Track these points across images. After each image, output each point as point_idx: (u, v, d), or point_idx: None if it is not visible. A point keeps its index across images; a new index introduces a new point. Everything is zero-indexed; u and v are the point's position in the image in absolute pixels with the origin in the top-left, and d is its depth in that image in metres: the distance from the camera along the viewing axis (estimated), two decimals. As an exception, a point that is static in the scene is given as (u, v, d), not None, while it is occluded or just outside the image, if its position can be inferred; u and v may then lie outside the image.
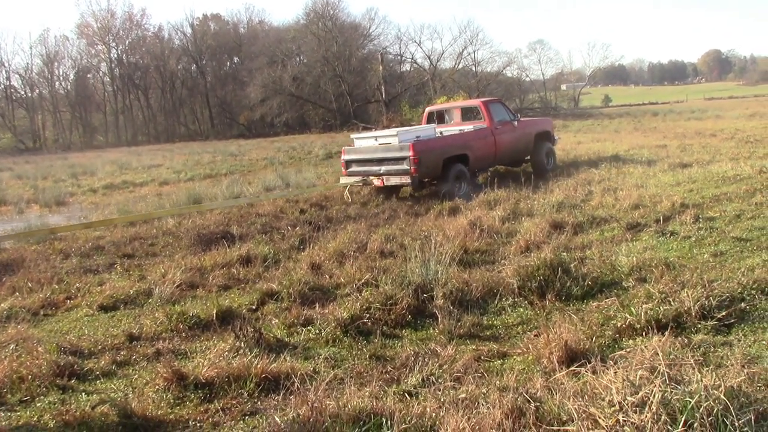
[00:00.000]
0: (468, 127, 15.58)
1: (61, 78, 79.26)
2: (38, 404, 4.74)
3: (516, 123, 16.06)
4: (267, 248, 9.14)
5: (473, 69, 67.96)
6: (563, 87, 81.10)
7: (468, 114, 16.65)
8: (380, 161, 13.67)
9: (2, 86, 75.75)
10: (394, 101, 64.71)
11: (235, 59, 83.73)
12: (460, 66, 68.44)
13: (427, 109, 18.09)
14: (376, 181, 13.70)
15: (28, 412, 4.60)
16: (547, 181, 14.34)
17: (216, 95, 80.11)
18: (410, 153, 12.98)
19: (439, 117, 17.31)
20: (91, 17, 79.49)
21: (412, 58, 72.52)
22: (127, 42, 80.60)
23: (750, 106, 49.90)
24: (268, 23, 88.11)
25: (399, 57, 73.31)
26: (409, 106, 61.76)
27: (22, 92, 77.08)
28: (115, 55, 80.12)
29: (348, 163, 14.49)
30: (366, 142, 14.47)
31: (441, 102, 57.07)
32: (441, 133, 15.30)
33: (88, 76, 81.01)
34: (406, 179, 13.17)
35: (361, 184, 14.06)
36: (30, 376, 5.08)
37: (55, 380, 5.08)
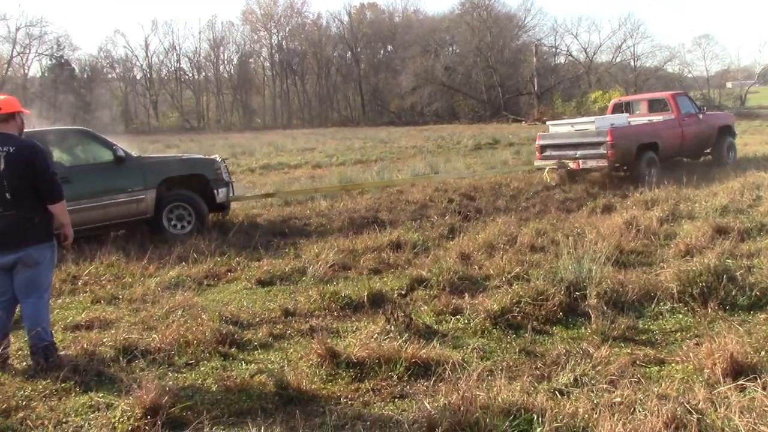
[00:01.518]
0: (657, 117, 16.37)
1: (225, 62, 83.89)
2: (202, 368, 5.03)
3: (701, 116, 16.76)
4: (416, 235, 9.24)
5: (632, 63, 65.36)
6: (729, 85, 76.22)
7: (655, 106, 17.41)
8: (576, 146, 14.73)
9: (173, 68, 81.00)
10: (546, 94, 63.44)
11: (389, 47, 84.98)
12: (618, 60, 66.04)
13: (613, 101, 19.07)
14: (572, 164, 14.72)
15: (193, 375, 4.90)
16: (712, 180, 13.58)
17: (369, 82, 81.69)
18: (608, 138, 14.01)
19: (626, 108, 17.93)
20: (256, 4, 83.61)
21: (567, 51, 70.85)
22: (287, 29, 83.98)
23: None
24: (423, 12, 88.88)
25: (554, 49, 71.75)
26: (561, 99, 60.40)
27: (190, 75, 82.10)
28: (276, 41, 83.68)
29: (543, 148, 15.55)
30: (562, 128, 15.79)
31: (596, 96, 55.50)
32: (630, 123, 15.85)
33: (250, 60, 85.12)
34: (603, 163, 14.19)
35: (557, 167, 14.94)
36: (195, 342, 5.40)
37: (218, 347, 5.38)
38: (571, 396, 4.20)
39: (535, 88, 63.81)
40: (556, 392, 4.26)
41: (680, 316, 5.83)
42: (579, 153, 14.61)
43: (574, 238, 7.97)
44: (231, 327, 5.82)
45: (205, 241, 9.34)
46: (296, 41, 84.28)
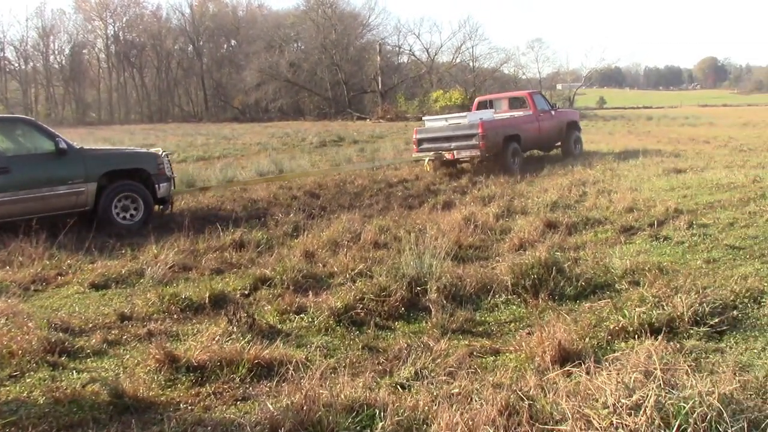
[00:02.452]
0: (518, 113, 18.70)
1: (56, 52, 78.69)
2: (28, 380, 4.70)
3: (553, 112, 19.34)
4: (260, 234, 9.12)
5: (471, 64, 67.99)
6: (559, 86, 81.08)
7: (515, 103, 19.94)
8: (450, 138, 16.61)
9: (-5, 58, 75.17)
10: (390, 92, 64.70)
11: (233, 42, 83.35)
12: (458, 60, 68.52)
13: (477, 99, 21.52)
14: (447, 155, 16.60)
15: (18, 388, 4.57)
16: (539, 177, 14.39)
17: (211, 77, 79.70)
18: (479, 130, 15.98)
19: (489, 105, 20.05)
20: (90, -8, 78.90)
21: (410, 50, 72.68)
22: (124, 19, 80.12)
23: (743, 115, 50.13)
24: (268, 8, 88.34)
25: (397, 48, 73.36)
26: (404, 98, 61.78)
27: (16, 65, 76.48)
28: (112, 32, 79.62)
29: (420, 141, 17.33)
30: (436, 123, 17.85)
31: (437, 95, 57.24)
32: (495, 118, 17.83)
33: (84, 51, 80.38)
34: (476, 152, 16.24)
35: (433, 158, 16.70)
36: (20, 352, 5.04)
37: (46, 356, 5.05)
38: (412, 389, 4.29)
39: (379, 87, 64.91)
40: (398, 386, 4.35)
41: (514, 307, 6.13)
42: (453, 144, 16.47)
43: (416, 234, 8.15)
44: (61, 334, 5.48)
45: (32, 242, 8.74)
46: (134, 32, 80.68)
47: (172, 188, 11.88)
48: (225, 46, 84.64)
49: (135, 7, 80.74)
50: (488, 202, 11.39)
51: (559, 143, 19.84)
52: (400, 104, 60.52)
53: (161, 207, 11.78)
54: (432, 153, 16.81)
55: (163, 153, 11.91)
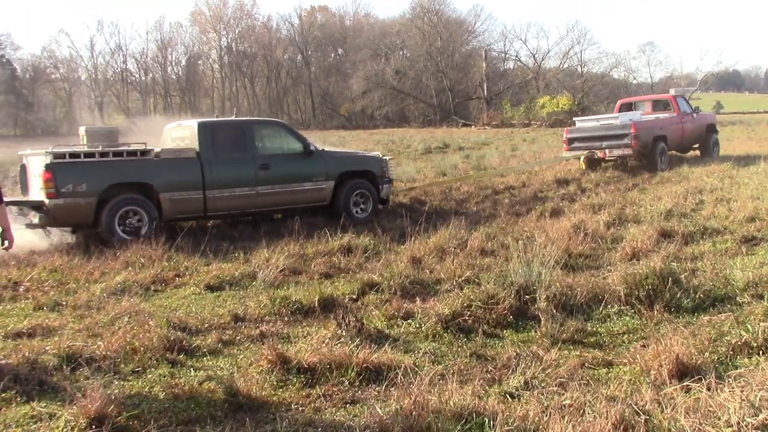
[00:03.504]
0: (663, 115, 19.50)
1: (173, 63, 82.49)
2: (149, 376, 4.92)
3: (695, 115, 19.99)
4: (367, 239, 9.22)
5: (579, 69, 66.57)
6: (672, 91, 78.13)
7: (657, 105, 20.87)
8: (602, 138, 17.50)
9: (119, 69, 79.43)
10: (496, 99, 64.25)
11: (340, 51, 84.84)
12: (565, 66, 67.25)
13: (620, 101, 21.94)
14: (599, 154, 17.59)
15: (140, 383, 4.79)
16: (654, 183, 13.91)
17: (319, 86, 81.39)
18: (632, 130, 16.85)
19: (632, 107, 20.71)
20: (205, 5, 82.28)
21: (516, 56, 71.92)
22: (236, 30, 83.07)
23: None
24: (374, 16, 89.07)
25: (503, 54, 72.75)
26: (510, 104, 61.18)
27: (137, 76, 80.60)
28: (225, 43, 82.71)
29: (570, 141, 18.41)
30: (587, 123, 19.06)
31: (544, 101, 56.36)
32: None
33: (199, 62, 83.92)
34: (628, 151, 17.03)
35: (586, 156, 17.74)
36: (142, 349, 5.28)
37: (165, 354, 5.26)
38: (521, 399, 4.23)
39: (485, 93, 64.54)
40: (507, 395, 4.30)
41: (627, 318, 5.93)
42: (605, 144, 17.38)
43: (524, 241, 8.02)
44: (179, 333, 5.71)
45: (152, 245, 9.16)
46: (246, 43, 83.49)
47: (391, 189, 13.23)
48: (332, 54, 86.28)
49: (247, 19, 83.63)
50: (598, 210, 11.09)
51: (697, 145, 20.56)
52: (506, 111, 59.94)
53: (381, 205, 12.92)
54: (586, 151, 17.80)
55: (386, 157, 13.25)
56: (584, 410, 3.88)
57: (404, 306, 6.25)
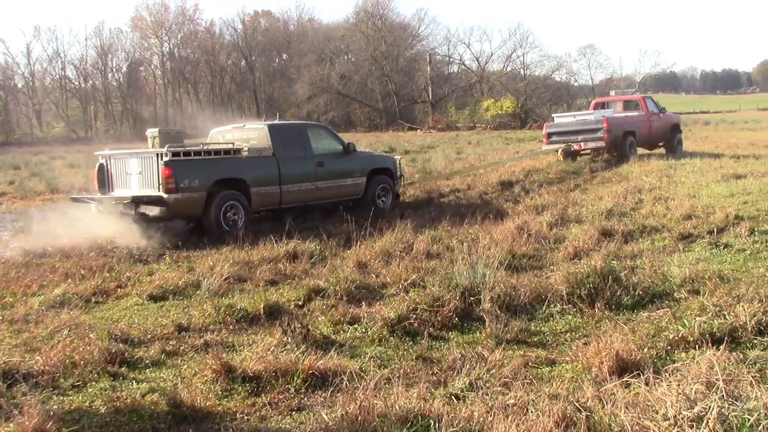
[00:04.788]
0: (633, 113, 21.67)
1: (114, 70, 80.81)
2: (90, 390, 4.81)
3: (661, 115, 22.04)
4: (313, 245, 9.18)
5: (521, 72, 67.48)
6: (612, 92, 79.78)
7: (628, 105, 22.91)
8: (577, 132, 19.65)
9: (57, 77, 77.51)
10: (441, 102, 64.74)
11: (284, 56, 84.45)
12: (509, 69, 68.08)
13: (594, 100, 24.81)
14: (575, 146, 19.70)
15: (80, 397, 4.68)
16: (597, 184, 14.20)
17: (264, 91, 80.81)
18: (604, 125, 19.02)
19: (605, 106, 22.75)
20: (146, 11, 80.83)
21: (460, 60, 72.55)
22: (179, 36, 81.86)
23: (806, 118, 48.60)
24: (318, 21, 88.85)
25: (447, 58, 73.41)
26: (455, 107, 61.71)
27: (76, 83, 78.71)
28: (167, 49, 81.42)
29: (550, 135, 20.62)
30: (564, 119, 21.30)
31: (488, 104, 57.02)
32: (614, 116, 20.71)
33: (140, 68, 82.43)
34: (601, 144, 19.23)
35: (563, 149, 19.87)
36: (82, 362, 5.16)
37: (106, 367, 5.16)
38: (466, 400, 4.27)
39: (430, 97, 65.03)
40: (452, 397, 4.33)
41: (570, 317, 6.05)
42: (581, 137, 19.55)
43: (469, 244, 8.10)
44: (121, 345, 5.59)
45: (94, 256, 8.96)
46: (188, 49, 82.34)
47: (402, 184, 15.05)
48: (277, 60, 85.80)
49: (189, 24, 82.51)
50: (541, 211, 11.27)
51: (662, 143, 22.42)
52: (451, 114, 60.48)
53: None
54: (563, 144, 19.86)
55: (398, 157, 15.14)
56: (527, 409, 3.93)
57: (350, 311, 6.26)
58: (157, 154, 10.70)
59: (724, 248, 7.93)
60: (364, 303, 6.53)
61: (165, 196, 10.53)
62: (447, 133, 49.78)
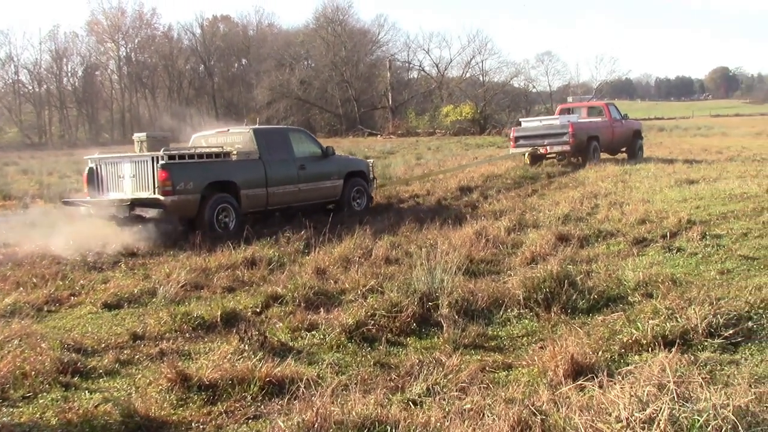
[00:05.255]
0: (597, 119, 22.26)
1: (69, 74, 79.42)
2: (41, 401, 4.71)
3: (624, 121, 22.74)
4: (272, 251, 9.13)
5: (480, 78, 68.05)
6: (570, 99, 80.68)
7: (592, 111, 23.30)
8: (544, 136, 20.18)
9: (10, 81, 75.90)
10: (401, 108, 64.95)
11: (244, 61, 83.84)
12: (468, 75, 68.63)
13: (560, 106, 25.59)
14: (542, 150, 20.18)
15: (30, 409, 4.57)
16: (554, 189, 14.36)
17: (223, 96, 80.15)
18: (570, 130, 19.57)
19: (570, 112, 23.00)
20: (102, 15, 79.46)
21: (419, 66, 72.93)
22: (136, 40, 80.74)
23: (756, 125, 49.93)
24: (278, 26, 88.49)
25: (407, 64, 73.70)
26: (415, 113, 61.96)
27: (30, 87, 77.15)
28: (124, 53, 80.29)
29: (517, 139, 20.91)
30: (531, 123, 21.91)
31: (448, 110, 57.38)
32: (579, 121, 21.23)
33: (96, 73, 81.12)
34: (566, 147, 19.73)
35: (530, 152, 20.31)
36: (33, 373, 5.05)
37: (58, 377, 5.06)
38: (423, 405, 4.27)
39: (390, 103, 65.21)
40: (410, 403, 4.33)
41: (526, 321, 6.11)
42: (547, 141, 20.08)
43: (427, 249, 8.13)
44: (74, 355, 5.49)
45: (46, 264, 8.78)
46: (146, 53, 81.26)
47: (374, 187, 15.31)
48: (236, 65, 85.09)
49: (146, 29, 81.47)
50: (499, 216, 11.37)
51: (625, 148, 23.06)
52: (411, 120, 60.71)
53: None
54: (530, 148, 20.31)
55: (370, 160, 15.63)
56: (484, 413, 3.95)
57: (308, 317, 6.24)
58: (153, 158, 10.95)
59: (676, 252, 8.08)
60: (322, 309, 6.51)
61: (162, 198, 10.78)
62: (407, 139, 49.96)
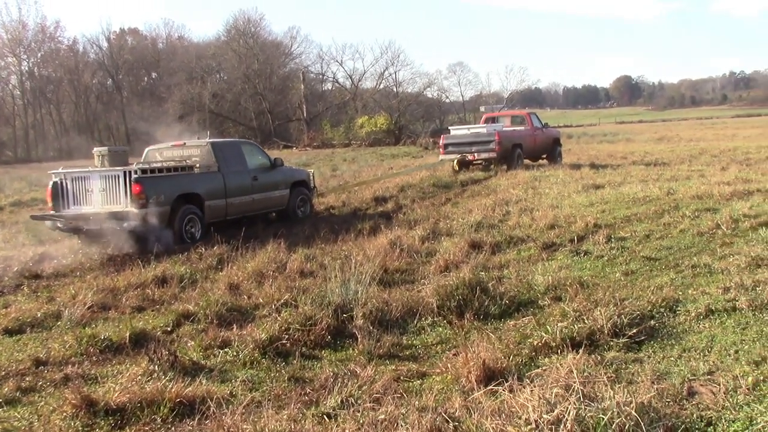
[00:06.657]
0: (520, 128, 23.41)
1: (-33, 90, 75.82)
2: (-67, 435, 4.47)
3: (544, 130, 24.07)
4: (183, 268, 8.93)
5: (394, 89, 68.63)
6: (482, 108, 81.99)
7: (515, 120, 24.53)
8: (471, 144, 21.35)
9: None
10: (316, 120, 64.78)
11: (153, 75, 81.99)
12: (382, 86, 69.08)
13: (485, 115, 26.05)
14: (469, 157, 21.31)
15: None
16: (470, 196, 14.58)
17: (133, 111, 77.89)
18: (496, 138, 20.73)
19: (494, 121, 24.07)
20: (1, 28, 76.37)
21: (333, 78, 72.92)
22: (39, 54, 77.65)
23: (658, 131, 52.22)
24: (188, 39, 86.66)
25: (321, 76, 73.62)
26: (330, 125, 61.93)
27: (-77, 103, 73.29)
28: (26, 68, 77.14)
29: (446, 146, 22.14)
30: (459, 131, 22.90)
31: (363, 122, 57.58)
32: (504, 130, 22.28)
33: (-3, 88, 77.73)
34: (493, 154, 20.86)
35: (458, 159, 21.34)
36: (-75, 406, 4.78)
37: (-46, 409, 4.80)
38: (338, 418, 4.25)
39: (304, 114, 64.93)
40: (324, 416, 4.30)
41: (440, 329, 6.16)
42: (474, 148, 21.21)
43: (342, 261, 8.12)
44: (-30, 385, 5.22)
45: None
46: (50, 68, 78.37)
47: (315, 195, 16.12)
48: (146, 78, 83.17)
49: (50, 42, 78.45)
50: (414, 226, 11.45)
51: (545, 155, 24.23)
52: (326, 131, 60.61)
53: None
54: (458, 155, 21.39)
55: (311, 171, 16.58)
56: (398, 423, 3.96)
57: (221, 334, 6.12)
58: (125, 172, 11.32)
59: (584, 255, 8.32)
60: (235, 326, 6.40)
61: (137, 210, 11.08)
62: (323, 151, 49.86)
